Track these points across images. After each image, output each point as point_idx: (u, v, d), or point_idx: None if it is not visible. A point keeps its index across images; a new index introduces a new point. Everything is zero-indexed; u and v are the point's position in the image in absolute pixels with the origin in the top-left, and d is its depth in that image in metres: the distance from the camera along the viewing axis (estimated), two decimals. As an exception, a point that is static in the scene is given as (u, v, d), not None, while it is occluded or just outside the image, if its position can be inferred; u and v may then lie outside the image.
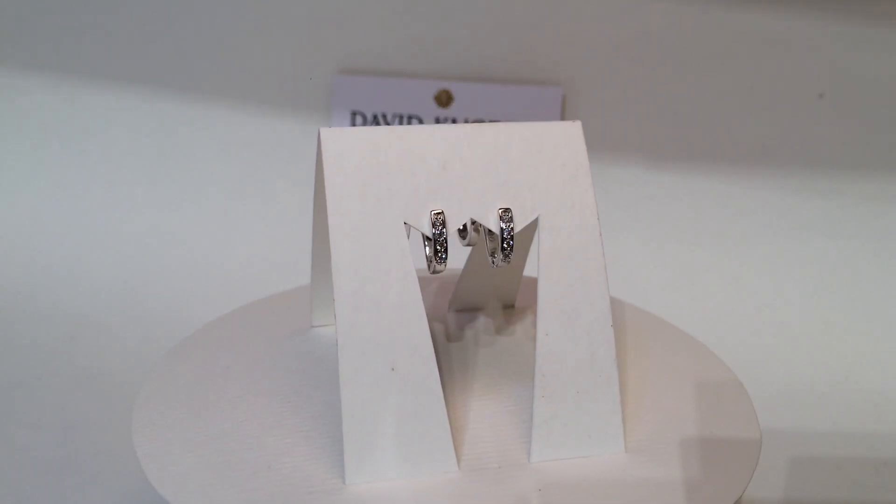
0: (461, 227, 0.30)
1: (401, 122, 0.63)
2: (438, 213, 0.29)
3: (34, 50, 0.67)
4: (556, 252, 0.29)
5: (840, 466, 0.44)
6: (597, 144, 0.62)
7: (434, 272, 0.29)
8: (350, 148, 0.29)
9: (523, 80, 0.62)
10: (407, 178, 0.29)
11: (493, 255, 0.30)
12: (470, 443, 0.29)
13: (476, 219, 0.29)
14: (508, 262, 0.29)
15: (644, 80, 0.60)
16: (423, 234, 0.29)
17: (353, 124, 0.64)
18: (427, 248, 0.29)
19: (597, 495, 0.27)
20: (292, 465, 0.28)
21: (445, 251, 0.29)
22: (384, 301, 0.28)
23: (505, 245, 0.29)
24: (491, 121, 0.62)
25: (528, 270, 0.36)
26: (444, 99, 0.62)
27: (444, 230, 0.29)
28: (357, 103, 0.64)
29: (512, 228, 0.29)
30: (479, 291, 0.38)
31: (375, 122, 0.63)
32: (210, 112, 0.66)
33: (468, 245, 0.31)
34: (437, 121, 0.63)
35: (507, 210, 0.29)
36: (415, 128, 0.30)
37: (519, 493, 0.27)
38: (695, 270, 0.60)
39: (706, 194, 0.61)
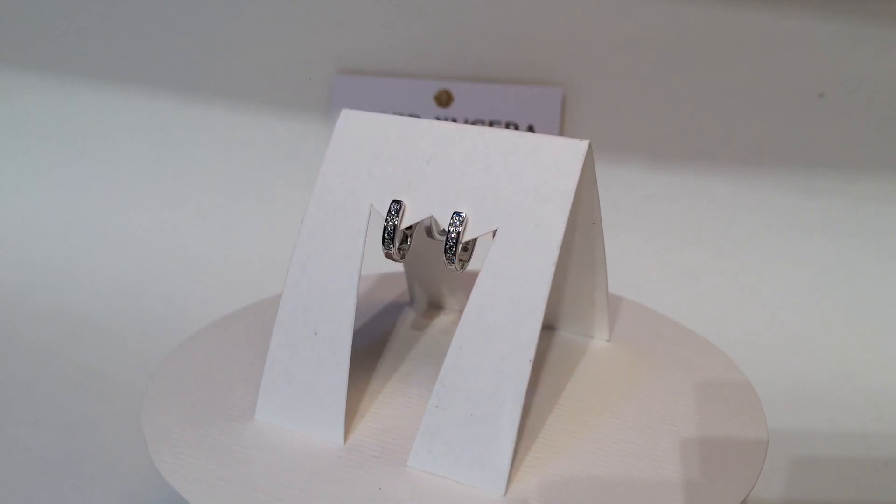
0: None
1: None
2: (397, 203, 0.29)
3: (34, 50, 0.67)
4: (499, 269, 0.27)
5: (840, 466, 0.44)
6: (597, 144, 0.62)
7: (388, 258, 0.30)
8: (357, 129, 0.31)
9: (523, 80, 0.62)
10: (390, 165, 0.30)
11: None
12: (371, 426, 0.30)
13: (436, 217, 0.29)
14: (453, 266, 0.29)
15: (644, 80, 0.60)
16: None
17: (353, 124, 0.64)
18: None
19: None
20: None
21: (392, 240, 0.29)
22: (325, 271, 0.30)
23: (447, 248, 0.28)
24: (491, 121, 0.62)
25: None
26: (444, 99, 0.62)
27: (396, 220, 0.29)
28: (357, 103, 0.64)
29: (459, 233, 0.28)
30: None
31: (375, 122, 0.63)
32: (210, 112, 0.66)
33: None
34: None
35: (460, 214, 0.28)
36: (421, 121, 0.30)
37: (363, 483, 0.27)
38: (695, 270, 0.60)
39: (706, 194, 0.61)
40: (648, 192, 0.62)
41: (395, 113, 0.63)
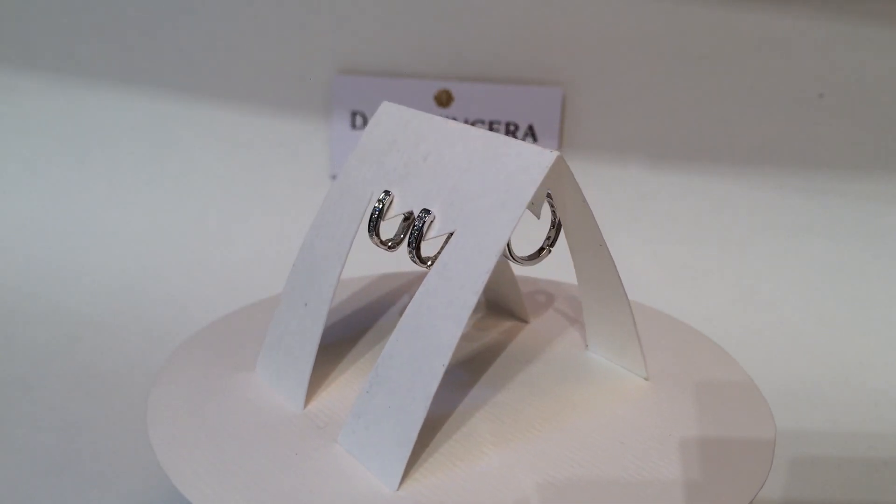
0: None
1: (401, 122, 0.63)
2: (386, 193, 0.30)
3: (34, 50, 0.67)
4: (444, 270, 0.27)
5: (840, 466, 0.45)
6: (597, 144, 0.62)
7: (377, 245, 0.31)
8: (385, 121, 0.32)
9: (523, 80, 0.62)
10: (397, 157, 0.31)
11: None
12: (334, 399, 0.31)
13: (413, 211, 0.30)
14: (412, 259, 0.29)
15: (644, 80, 0.60)
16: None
17: (353, 124, 0.64)
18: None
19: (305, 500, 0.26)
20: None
21: (374, 228, 0.30)
22: (323, 249, 0.32)
23: (409, 243, 0.29)
24: (491, 121, 0.62)
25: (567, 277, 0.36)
26: (444, 99, 0.62)
27: (381, 208, 0.30)
28: (357, 103, 0.64)
29: (421, 229, 0.29)
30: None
31: (375, 122, 0.63)
32: (210, 112, 0.66)
33: None
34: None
35: (427, 212, 0.29)
36: (433, 119, 0.31)
37: (288, 446, 0.28)
38: (695, 270, 0.60)
39: (706, 194, 0.61)
40: (648, 192, 0.62)
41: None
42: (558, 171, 0.28)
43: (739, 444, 0.29)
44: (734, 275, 0.60)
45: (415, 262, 0.30)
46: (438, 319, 0.27)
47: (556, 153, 0.27)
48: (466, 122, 0.62)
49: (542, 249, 0.31)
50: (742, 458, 0.29)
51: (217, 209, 0.66)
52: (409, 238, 0.29)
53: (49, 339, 0.55)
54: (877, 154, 0.58)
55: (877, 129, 0.58)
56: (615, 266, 0.31)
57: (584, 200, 0.29)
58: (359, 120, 0.64)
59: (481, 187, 0.28)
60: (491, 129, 0.62)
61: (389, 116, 0.32)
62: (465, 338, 0.36)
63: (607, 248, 0.30)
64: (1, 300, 0.60)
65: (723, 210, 0.61)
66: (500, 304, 0.39)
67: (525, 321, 0.38)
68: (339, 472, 0.27)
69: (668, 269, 0.60)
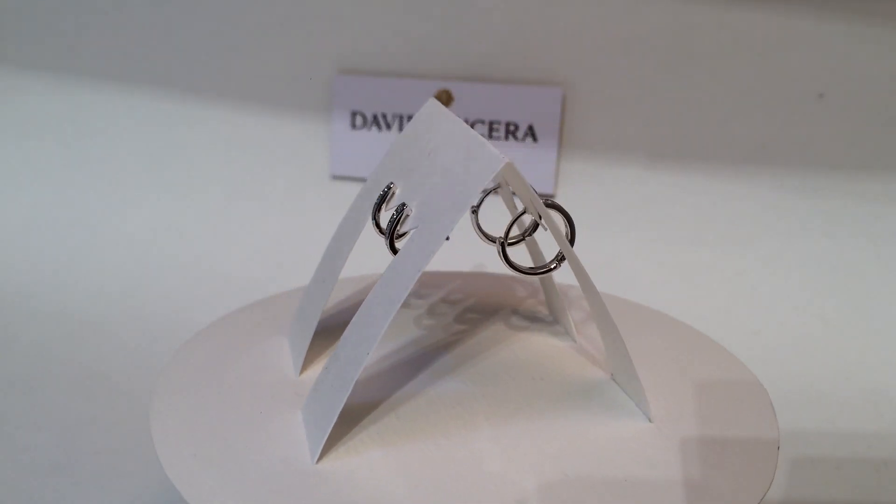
0: None
1: (401, 123, 0.63)
2: (390, 186, 0.32)
3: (34, 50, 0.67)
4: (395, 267, 0.28)
5: (840, 466, 0.45)
6: (597, 144, 0.62)
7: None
8: (421, 116, 0.34)
9: (523, 80, 0.62)
10: (412, 152, 0.32)
11: None
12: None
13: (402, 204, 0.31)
14: (388, 249, 0.30)
15: (644, 80, 0.60)
16: None
17: (353, 124, 0.64)
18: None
19: (252, 478, 0.27)
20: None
21: (375, 215, 0.32)
22: (344, 231, 0.34)
23: (386, 235, 0.30)
24: (491, 121, 0.62)
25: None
26: (444, 99, 0.62)
27: (383, 196, 0.32)
28: (357, 103, 0.64)
29: (397, 223, 0.30)
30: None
31: (375, 122, 0.63)
32: (210, 112, 0.66)
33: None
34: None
35: (404, 206, 0.30)
36: (448, 117, 0.32)
37: (257, 405, 0.31)
38: (694, 270, 0.60)
39: (706, 194, 0.61)
40: (648, 191, 0.62)
41: (395, 113, 0.63)
42: (513, 178, 0.28)
43: (744, 446, 0.29)
44: (734, 275, 0.60)
45: (389, 252, 0.30)
46: (377, 310, 0.28)
47: (505, 159, 0.26)
48: (467, 121, 0.62)
49: (550, 263, 0.31)
50: (746, 459, 0.29)
51: (217, 209, 0.66)
52: (386, 232, 0.30)
53: (49, 339, 0.55)
54: (877, 154, 0.58)
55: (877, 129, 0.58)
56: (599, 295, 0.30)
57: (546, 212, 0.28)
58: (359, 120, 0.64)
59: (448, 187, 0.28)
60: (491, 128, 0.62)
61: (425, 114, 0.34)
62: (490, 345, 0.36)
63: (586, 272, 0.29)
64: (1, 300, 0.60)
65: (723, 210, 0.61)
66: (556, 320, 0.39)
67: (573, 339, 0.37)
68: (284, 437, 0.29)
69: (668, 269, 0.60)
